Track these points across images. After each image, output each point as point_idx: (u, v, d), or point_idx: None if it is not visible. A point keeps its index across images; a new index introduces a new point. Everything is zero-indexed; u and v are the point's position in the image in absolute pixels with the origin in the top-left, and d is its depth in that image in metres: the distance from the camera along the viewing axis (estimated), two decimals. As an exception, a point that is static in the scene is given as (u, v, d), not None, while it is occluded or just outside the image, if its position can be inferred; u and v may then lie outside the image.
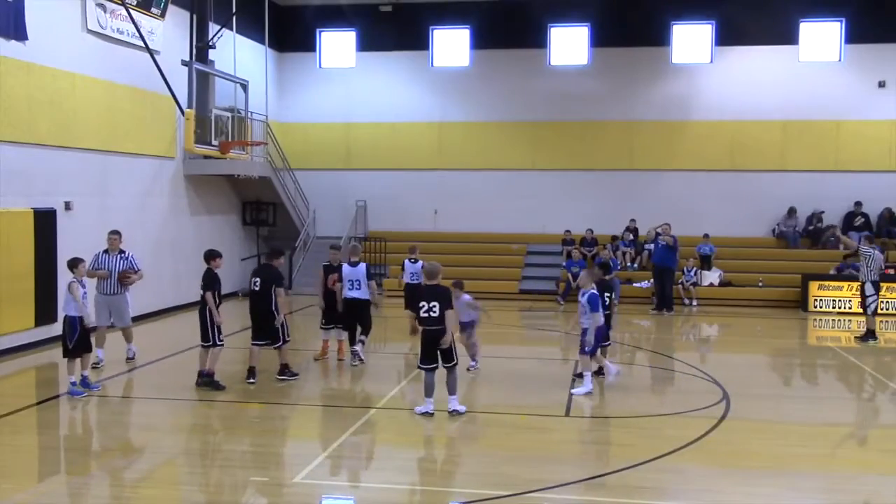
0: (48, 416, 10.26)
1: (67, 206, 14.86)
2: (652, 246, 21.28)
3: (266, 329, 11.35)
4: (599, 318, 11.00)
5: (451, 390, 9.80)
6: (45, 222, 14.03)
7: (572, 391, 11.06)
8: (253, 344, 11.49)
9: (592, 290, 11.03)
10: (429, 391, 9.73)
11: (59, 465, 8.49)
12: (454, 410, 9.74)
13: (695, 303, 20.57)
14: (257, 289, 11.26)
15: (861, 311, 16.46)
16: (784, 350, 15.56)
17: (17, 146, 13.62)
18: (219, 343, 11.02)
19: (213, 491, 7.56)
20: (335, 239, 20.82)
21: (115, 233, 12.55)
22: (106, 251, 12.40)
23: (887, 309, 19.29)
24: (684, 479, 7.91)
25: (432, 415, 9.65)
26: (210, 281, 10.93)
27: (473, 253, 23.05)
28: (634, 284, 21.17)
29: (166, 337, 15.58)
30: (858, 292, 16.28)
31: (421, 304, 9.60)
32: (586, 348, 11.02)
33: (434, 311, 9.53)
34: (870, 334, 15.66)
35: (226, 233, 21.44)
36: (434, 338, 9.59)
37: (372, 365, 13.14)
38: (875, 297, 15.62)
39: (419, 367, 9.86)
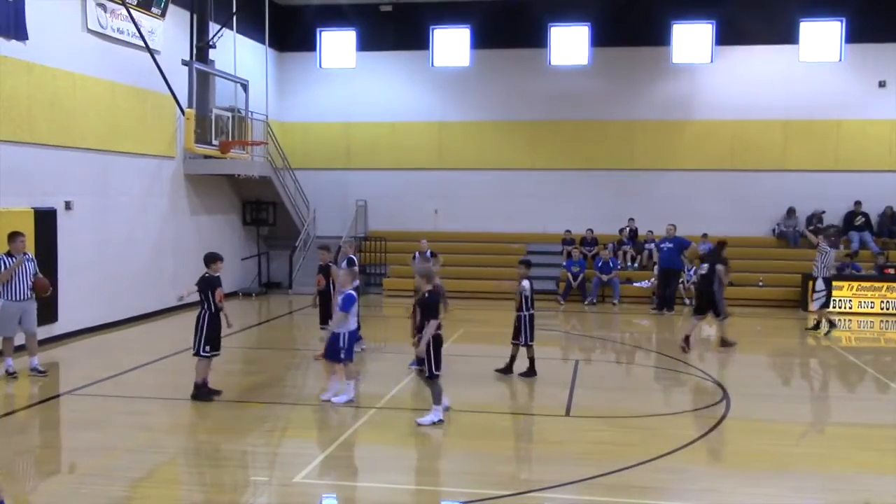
0: (48, 416, 10.27)
1: (67, 205, 14.86)
2: (652, 245, 21.31)
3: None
4: (351, 322, 10.34)
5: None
6: (45, 222, 14.01)
7: (333, 399, 10.35)
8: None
9: (350, 290, 10.33)
10: (441, 397, 9.58)
11: (60, 464, 8.49)
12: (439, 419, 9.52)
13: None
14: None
15: (858, 310, 16.84)
16: (784, 350, 15.57)
17: (18, 146, 13.62)
18: (203, 353, 10.41)
19: (213, 491, 7.55)
20: (335, 239, 20.82)
21: (22, 234, 11.79)
22: (9, 254, 11.51)
23: (887, 308, 19.34)
24: (684, 479, 7.91)
25: (443, 422, 9.49)
26: (204, 285, 10.42)
27: (473, 253, 23.06)
28: (634, 284, 21.18)
29: (166, 337, 15.56)
30: (812, 286, 17.33)
31: (440, 310, 9.44)
32: (341, 355, 10.23)
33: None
34: (828, 325, 16.52)
35: (226, 233, 21.44)
36: (442, 341, 9.56)
37: (372, 365, 13.14)
38: (824, 292, 16.52)
39: (436, 375, 9.46)
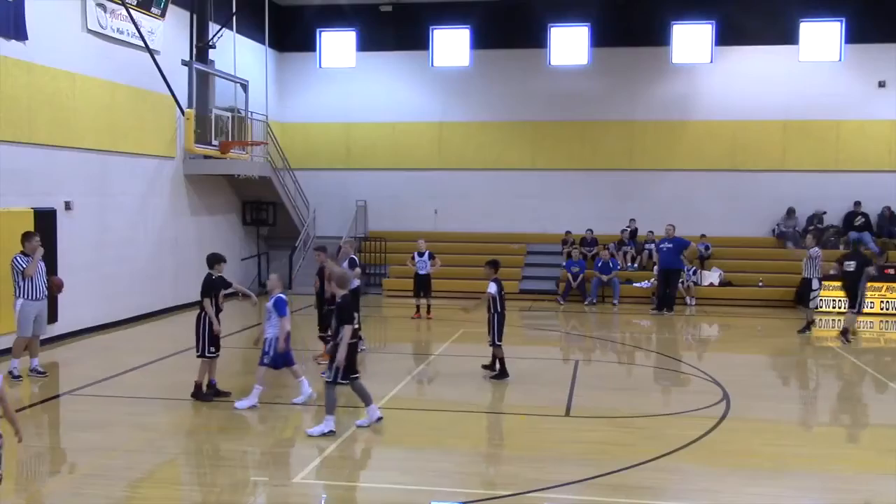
0: (48, 417, 10.26)
1: (67, 206, 14.86)
2: (652, 246, 21.31)
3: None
4: (286, 325, 10.09)
5: (369, 400, 9.37)
6: (45, 222, 14.00)
7: (236, 403, 10.12)
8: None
9: (280, 294, 10.15)
10: (334, 408, 9.15)
11: (60, 464, 8.48)
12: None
13: (693, 301, 20.57)
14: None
15: (851, 309, 17.03)
16: (784, 350, 15.57)
17: (17, 146, 13.62)
18: (208, 354, 10.40)
19: (213, 491, 7.56)
20: (336, 239, 20.82)
21: (37, 234, 11.84)
22: (25, 254, 11.50)
23: (887, 309, 19.35)
24: (684, 479, 7.92)
25: (334, 433, 9.00)
26: (207, 287, 10.43)
27: (473, 253, 23.01)
28: (634, 284, 21.18)
29: (166, 337, 15.56)
30: (802, 287, 17.51)
31: (354, 316, 9.11)
32: (264, 360, 10.12)
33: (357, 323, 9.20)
34: (808, 325, 16.76)
35: (226, 233, 21.44)
36: (357, 348, 9.23)
37: (372, 365, 13.15)
38: (818, 292, 16.91)
39: (342, 382, 9.06)
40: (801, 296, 17.26)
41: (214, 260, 10.57)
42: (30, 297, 11.59)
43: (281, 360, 10.21)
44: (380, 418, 9.34)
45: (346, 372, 9.03)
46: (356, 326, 9.10)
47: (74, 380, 11.81)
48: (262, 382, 10.19)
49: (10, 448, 8.77)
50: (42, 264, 11.79)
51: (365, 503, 7.53)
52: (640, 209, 22.80)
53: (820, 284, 16.84)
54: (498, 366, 11.93)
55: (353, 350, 9.11)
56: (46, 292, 11.91)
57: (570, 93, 23.56)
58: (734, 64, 23.05)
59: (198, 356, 10.48)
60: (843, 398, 12.07)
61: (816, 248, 17.01)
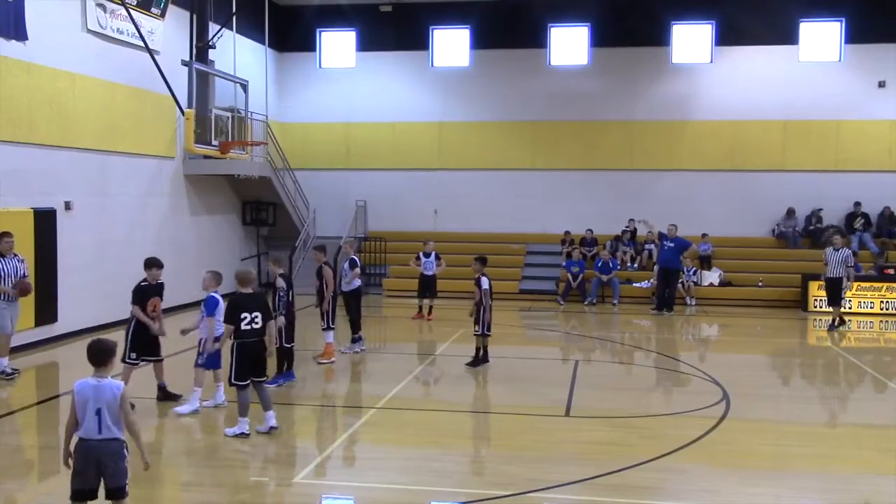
0: (48, 416, 10.26)
1: (67, 206, 14.86)
2: (652, 246, 21.30)
3: None
4: (217, 326, 9.79)
5: (268, 406, 9.11)
6: (45, 222, 14.02)
7: (176, 409, 9.89)
8: None
9: (213, 293, 9.94)
10: (246, 410, 8.95)
11: (59, 465, 8.46)
12: (273, 427, 9.02)
13: (693, 301, 20.57)
14: None
15: (858, 310, 17.25)
16: (784, 350, 15.57)
17: (17, 146, 13.62)
18: (129, 360, 10.03)
19: (213, 491, 7.55)
20: (335, 239, 20.83)
21: (10, 234, 11.71)
22: (0, 255, 11.48)
23: (887, 309, 19.34)
24: (684, 479, 7.92)
25: (248, 436, 8.88)
26: (134, 294, 10.08)
27: (473, 253, 22.92)
28: (634, 284, 21.18)
29: (165, 337, 15.51)
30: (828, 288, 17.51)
31: (243, 316, 8.82)
32: (199, 361, 9.94)
33: (256, 323, 8.92)
34: (841, 320, 17.21)
35: (226, 233, 21.44)
36: (255, 350, 8.97)
37: (372, 365, 13.15)
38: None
39: (233, 384, 8.91)
40: (833, 294, 17.10)
41: (148, 264, 10.25)
42: (3, 298, 11.53)
43: (212, 361, 9.99)
44: (272, 427, 9.00)
45: (242, 374, 8.86)
46: (246, 328, 8.85)
47: (74, 380, 11.77)
48: (199, 384, 9.97)
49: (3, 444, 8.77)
50: (21, 265, 11.75)
51: (365, 503, 7.53)
52: (640, 209, 22.72)
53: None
54: (481, 353, 12.65)
55: (252, 352, 8.91)
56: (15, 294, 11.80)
57: (570, 93, 23.56)
58: (734, 64, 23.05)
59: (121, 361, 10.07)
60: (843, 398, 12.08)
61: (847, 249, 17.23)
